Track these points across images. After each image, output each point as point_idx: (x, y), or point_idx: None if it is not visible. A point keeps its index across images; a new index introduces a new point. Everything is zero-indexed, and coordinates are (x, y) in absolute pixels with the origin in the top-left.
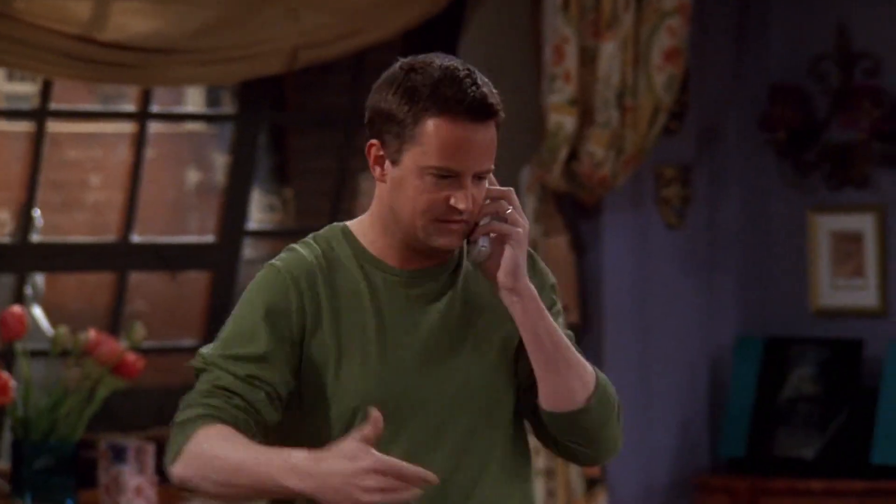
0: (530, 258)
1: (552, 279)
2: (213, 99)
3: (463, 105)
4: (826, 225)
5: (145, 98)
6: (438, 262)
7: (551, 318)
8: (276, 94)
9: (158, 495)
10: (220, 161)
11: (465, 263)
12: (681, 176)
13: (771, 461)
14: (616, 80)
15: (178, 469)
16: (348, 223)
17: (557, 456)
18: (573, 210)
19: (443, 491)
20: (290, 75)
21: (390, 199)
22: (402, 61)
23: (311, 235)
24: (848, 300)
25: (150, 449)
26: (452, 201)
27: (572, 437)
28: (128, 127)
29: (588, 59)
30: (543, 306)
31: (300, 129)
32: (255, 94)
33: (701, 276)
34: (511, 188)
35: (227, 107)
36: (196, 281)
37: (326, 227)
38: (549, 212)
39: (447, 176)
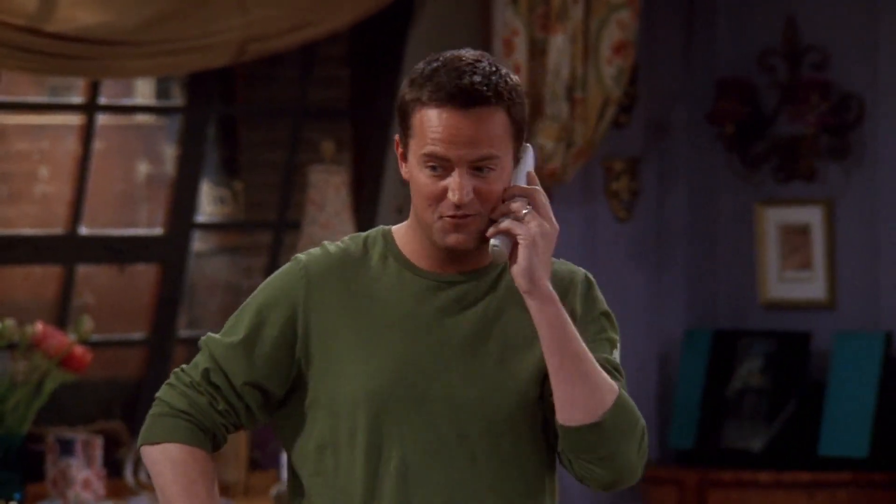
0: (587, 284)
1: (605, 308)
2: (163, 91)
3: (447, 92)
4: (774, 218)
5: (93, 90)
6: (474, 268)
7: (573, 329)
8: (226, 86)
9: (106, 488)
10: (171, 153)
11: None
12: (629, 169)
13: (719, 453)
14: (565, 73)
15: (142, 455)
16: (395, 226)
17: (575, 477)
18: None
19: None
20: (240, 68)
21: (412, 198)
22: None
23: (353, 235)
24: (796, 293)
25: (98, 442)
26: (448, 193)
27: (584, 453)
28: (77, 119)
29: (538, 51)
30: (565, 315)
31: (250, 121)
32: (204, 87)
33: (649, 269)
34: (537, 188)
35: (177, 99)
36: (144, 273)
37: (374, 228)
38: None
39: (441, 167)
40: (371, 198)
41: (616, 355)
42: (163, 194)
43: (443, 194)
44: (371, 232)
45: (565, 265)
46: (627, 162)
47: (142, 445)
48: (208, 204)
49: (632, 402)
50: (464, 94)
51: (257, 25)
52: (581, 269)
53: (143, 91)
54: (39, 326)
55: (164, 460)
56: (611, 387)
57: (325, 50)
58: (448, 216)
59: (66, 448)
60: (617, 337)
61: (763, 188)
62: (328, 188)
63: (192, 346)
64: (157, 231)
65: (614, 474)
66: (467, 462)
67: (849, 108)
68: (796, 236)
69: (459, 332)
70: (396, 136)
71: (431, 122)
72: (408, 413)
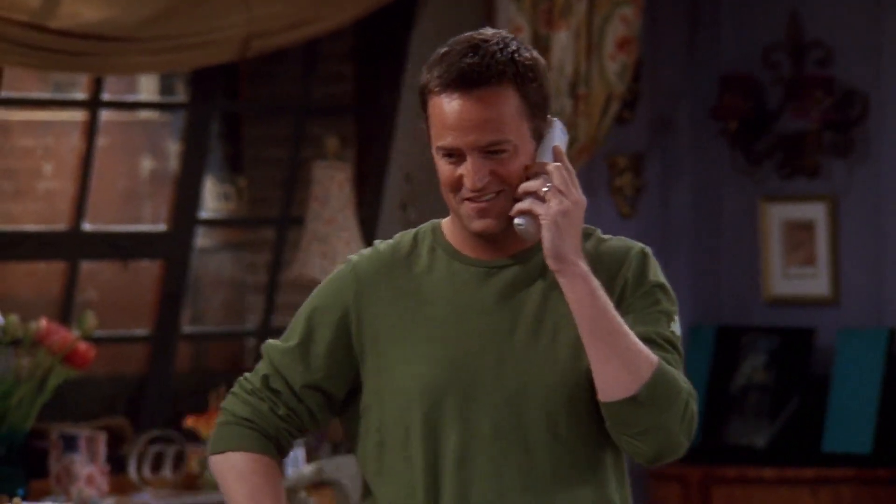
0: (641, 256)
1: (659, 280)
2: (166, 87)
3: (449, 76)
4: (777, 214)
5: (97, 86)
6: (517, 252)
7: (606, 304)
8: (230, 82)
9: (110, 484)
10: (174, 150)
11: None
12: (633, 165)
13: (723, 449)
14: (569, 69)
15: (210, 465)
16: (444, 219)
17: (626, 453)
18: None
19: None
20: (243, 64)
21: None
22: None
23: (405, 231)
24: (799, 289)
25: (102, 438)
26: (465, 180)
27: (624, 428)
28: (81, 115)
29: (541, 48)
30: (598, 291)
31: (254, 117)
32: (207, 83)
33: None
34: (558, 164)
35: (181, 95)
36: (148, 270)
37: (426, 223)
38: None
39: (454, 154)
40: (375, 194)
41: (674, 327)
42: (166, 190)
43: (461, 180)
44: (422, 226)
45: (622, 241)
46: (631, 158)
47: (209, 456)
48: (212, 200)
49: (672, 374)
50: (464, 76)
51: (261, 22)
52: (639, 243)
53: (147, 87)
54: (43, 322)
55: (229, 469)
56: (649, 361)
57: (329, 46)
58: (468, 200)
59: (70, 444)
60: (674, 308)
61: (767, 184)
62: (332, 184)
63: (196, 342)
64: (161, 227)
65: (656, 448)
66: (525, 448)
67: (852, 104)
68: (800, 232)
69: (512, 317)
70: (423, 125)
71: (440, 109)
72: (465, 403)
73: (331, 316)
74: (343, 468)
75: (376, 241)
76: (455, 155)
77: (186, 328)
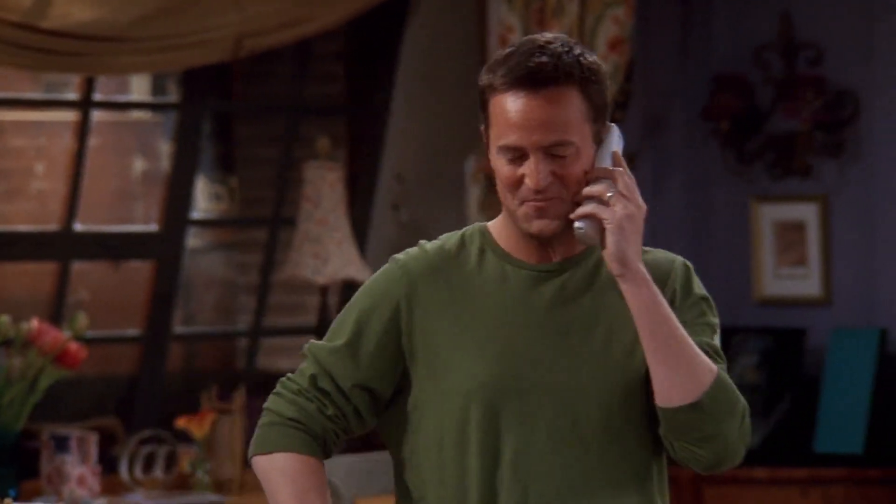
0: (686, 270)
1: (703, 293)
2: (158, 87)
3: (516, 74)
4: (769, 214)
5: (88, 86)
6: (572, 255)
7: (668, 310)
8: (221, 82)
9: (101, 484)
10: (166, 150)
11: None
12: (626, 164)
13: None
14: None
15: (253, 466)
16: (490, 221)
17: (678, 462)
18: None
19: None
20: (235, 64)
21: (497, 187)
22: None
23: (449, 233)
24: (791, 289)
25: (93, 438)
26: (526, 180)
27: (684, 435)
28: (73, 115)
29: None
30: (660, 296)
31: (246, 117)
32: (199, 83)
33: None
34: (620, 169)
35: (173, 95)
36: (140, 270)
37: (470, 225)
38: (494, 201)
39: (516, 153)
40: (366, 194)
41: (716, 339)
42: (158, 191)
43: (521, 181)
44: (467, 228)
45: (664, 253)
46: (623, 158)
47: (253, 456)
48: (203, 200)
49: (731, 383)
50: (532, 75)
51: (253, 21)
52: (679, 256)
53: (139, 87)
54: (34, 323)
55: (275, 471)
56: (709, 368)
57: (321, 46)
58: (528, 201)
59: (61, 444)
60: (717, 321)
61: (758, 184)
62: (323, 184)
63: (187, 342)
64: (153, 227)
65: (717, 454)
66: (579, 449)
67: (844, 104)
68: (791, 233)
69: (565, 321)
70: (481, 127)
71: (504, 107)
72: (519, 404)
73: (381, 314)
74: (335, 468)
75: (422, 242)
76: (517, 154)
77: (178, 328)
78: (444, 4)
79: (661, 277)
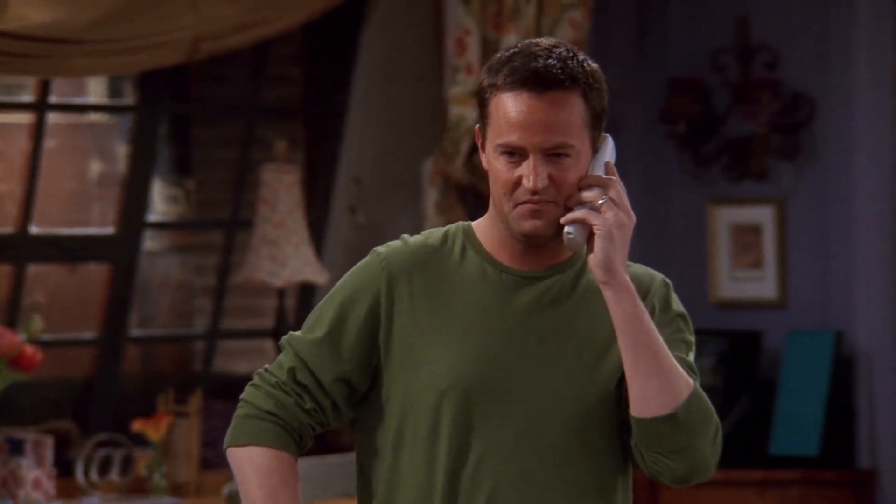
0: (665, 287)
1: (681, 310)
2: (115, 89)
3: (521, 75)
4: (725, 217)
5: (44, 88)
6: (555, 262)
7: (650, 322)
8: (178, 84)
9: (56, 488)
10: (123, 152)
11: None
12: None
13: None
14: None
15: (228, 457)
16: (475, 221)
17: (648, 474)
18: (475, 202)
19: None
20: (192, 66)
21: (490, 187)
22: None
23: (432, 229)
24: (747, 292)
25: (48, 442)
26: (523, 180)
27: (657, 446)
28: (28, 117)
29: (490, 51)
30: (642, 307)
31: (203, 120)
32: (156, 85)
33: None
34: (613, 178)
35: (129, 97)
36: (96, 273)
37: (454, 223)
38: (451, 204)
39: (515, 154)
40: (323, 197)
41: (692, 357)
42: (114, 193)
43: (519, 181)
44: (451, 226)
45: (644, 268)
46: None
47: (228, 447)
48: (160, 203)
49: (706, 399)
50: (538, 77)
51: (209, 24)
52: (659, 273)
53: (95, 89)
54: None
55: (249, 464)
56: (686, 381)
57: (278, 48)
58: (523, 203)
59: (17, 448)
60: (692, 339)
61: (714, 187)
62: (280, 187)
63: (144, 345)
64: (109, 230)
65: (688, 468)
66: (544, 455)
67: (799, 107)
68: (747, 235)
69: (542, 327)
70: (476, 126)
71: (506, 106)
72: (491, 405)
73: (362, 305)
74: None
75: (404, 235)
76: (516, 154)
77: (134, 331)
78: (400, 7)
79: (642, 292)
